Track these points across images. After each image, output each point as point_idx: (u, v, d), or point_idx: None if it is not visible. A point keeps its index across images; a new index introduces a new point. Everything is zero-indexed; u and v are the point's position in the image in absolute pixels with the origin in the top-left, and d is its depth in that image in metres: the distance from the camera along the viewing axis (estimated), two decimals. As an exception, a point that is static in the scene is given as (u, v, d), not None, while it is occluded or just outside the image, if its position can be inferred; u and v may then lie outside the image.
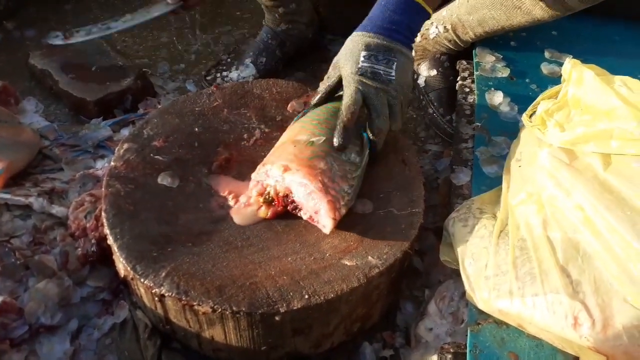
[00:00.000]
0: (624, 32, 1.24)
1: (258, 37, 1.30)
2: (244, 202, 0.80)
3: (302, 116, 0.85)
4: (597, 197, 0.63)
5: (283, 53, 1.30)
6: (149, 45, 1.41)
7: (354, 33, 0.82)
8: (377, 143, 0.80)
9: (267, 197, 0.78)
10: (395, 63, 0.79)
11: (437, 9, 0.95)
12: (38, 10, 1.51)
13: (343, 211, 0.75)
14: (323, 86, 0.85)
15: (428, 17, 0.83)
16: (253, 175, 0.80)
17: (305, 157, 0.75)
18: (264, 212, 0.79)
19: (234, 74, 1.26)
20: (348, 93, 0.78)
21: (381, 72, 0.79)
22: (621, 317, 0.59)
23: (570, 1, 0.94)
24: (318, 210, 0.75)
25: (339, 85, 0.82)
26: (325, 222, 0.75)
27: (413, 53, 0.83)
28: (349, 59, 0.80)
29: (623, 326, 0.59)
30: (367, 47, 0.79)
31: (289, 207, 0.78)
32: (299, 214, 0.78)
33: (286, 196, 0.77)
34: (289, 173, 0.74)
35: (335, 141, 0.76)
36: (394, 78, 0.79)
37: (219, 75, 1.27)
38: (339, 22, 1.43)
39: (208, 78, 1.27)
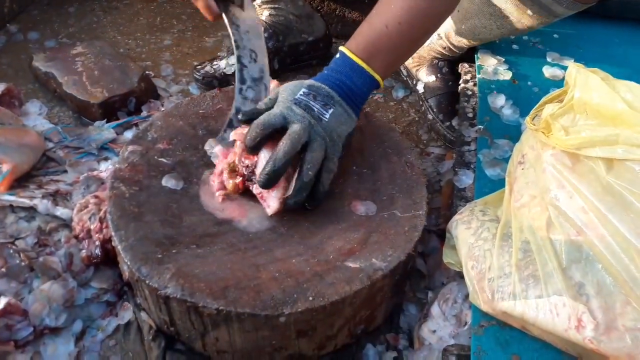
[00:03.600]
0: (625, 34, 1.25)
1: None
2: (217, 173, 0.83)
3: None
4: (600, 200, 0.63)
5: (275, 46, 1.29)
6: (152, 48, 1.42)
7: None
8: (266, 166, 0.74)
9: (231, 164, 0.80)
10: (332, 110, 0.78)
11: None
12: (41, 13, 1.52)
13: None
14: (249, 108, 0.85)
15: (377, 85, 0.82)
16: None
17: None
18: (230, 184, 0.80)
19: (222, 63, 1.27)
20: (272, 112, 0.77)
21: (315, 109, 0.77)
22: (624, 320, 0.59)
23: (556, 9, 0.95)
24: (270, 190, 0.76)
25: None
26: (272, 203, 0.76)
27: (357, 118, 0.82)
28: (288, 90, 0.79)
29: (626, 328, 0.59)
30: (310, 87, 0.79)
31: (246, 175, 0.79)
32: (251, 186, 0.79)
33: (247, 166, 0.78)
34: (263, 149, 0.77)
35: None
36: (326, 120, 0.77)
37: (208, 64, 1.28)
38: (344, 26, 1.44)
39: (198, 67, 1.29)
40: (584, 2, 0.93)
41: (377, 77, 0.82)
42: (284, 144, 0.74)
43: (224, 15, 0.88)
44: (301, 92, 0.78)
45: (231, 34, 0.88)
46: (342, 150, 0.80)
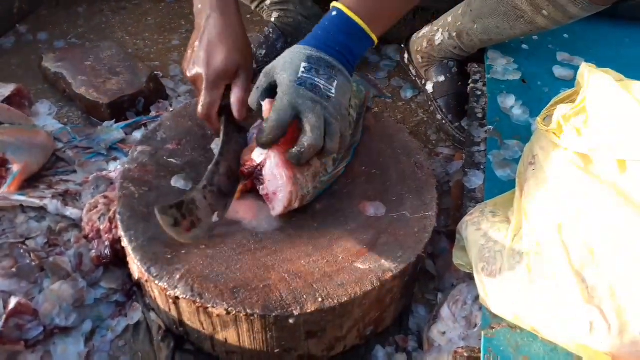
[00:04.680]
0: (636, 34, 1.24)
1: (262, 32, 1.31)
2: None
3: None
4: (612, 201, 0.63)
5: (284, 47, 1.28)
6: (161, 48, 1.42)
7: (294, 46, 0.76)
8: (300, 158, 0.73)
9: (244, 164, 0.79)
10: (336, 81, 0.74)
11: (431, 18, 0.92)
12: (50, 14, 1.52)
13: (296, 205, 0.77)
14: (254, 96, 0.78)
15: (372, 44, 0.79)
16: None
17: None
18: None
19: None
20: (277, 106, 0.72)
21: (321, 86, 0.73)
22: (638, 323, 0.59)
23: (572, 10, 0.94)
24: (277, 192, 0.75)
25: (270, 93, 0.76)
26: (277, 206, 0.76)
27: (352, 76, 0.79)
28: (287, 68, 0.73)
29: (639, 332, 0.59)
30: (309, 59, 0.74)
31: (254, 174, 0.78)
32: (258, 186, 0.78)
33: (258, 165, 0.77)
34: (273, 150, 0.75)
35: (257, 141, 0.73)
36: (333, 96, 0.74)
37: None
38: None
39: None
40: (600, 3, 0.93)
41: (374, 36, 0.78)
42: (308, 141, 0.72)
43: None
44: (302, 69, 0.73)
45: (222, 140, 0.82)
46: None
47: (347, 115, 0.78)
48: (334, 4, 0.78)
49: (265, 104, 0.75)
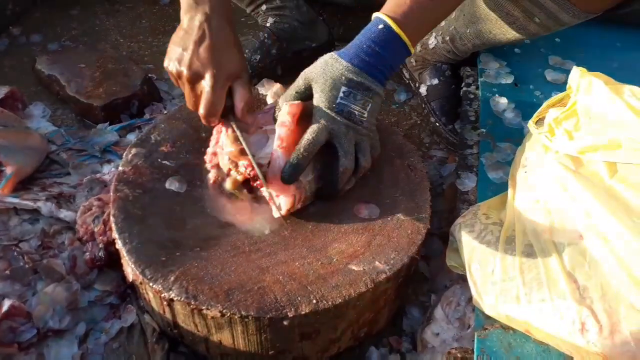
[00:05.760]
0: (627, 38, 1.25)
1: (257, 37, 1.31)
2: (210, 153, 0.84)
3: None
4: (603, 203, 0.64)
5: (279, 52, 1.29)
6: (155, 51, 1.42)
7: (336, 57, 0.77)
8: (338, 182, 0.78)
9: (233, 160, 0.80)
10: (371, 105, 0.77)
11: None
12: (44, 16, 1.52)
13: (298, 206, 0.78)
14: (288, 96, 0.81)
15: (409, 55, 0.80)
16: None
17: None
18: (231, 181, 0.82)
19: None
20: (314, 128, 0.75)
21: (356, 112, 0.76)
22: (628, 323, 0.59)
23: (563, 17, 0.95)
24: (280, 195, 0.77)
25: (307, 96, 0.79)
26: (283, 205, 0.77)
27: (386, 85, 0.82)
28: (326, 90, 0.76)
29: (630, 332, 0.59)
30: (349, 83, 0.75)
31: (251, 177, 0.78)
32: (259, 186, 0.78)
33: (262, 166, 0.78)
34: (278, 152, 0.77)
35: (283, 175, 0.74)
36: (366, 119, 0.77)
37: None
38: (346, 30, 1.44)
39: None
40: (591, 11, 0.94)
41: (412, 49, 0.79)
42: (343, 166, 0.76)
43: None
44: (342, 94, 0.76)
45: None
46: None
47: (375, 130, 0.81)
48: (379, 15, 0.77)
49: (292, 107, 0.78)
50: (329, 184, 0.79)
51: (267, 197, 0.78)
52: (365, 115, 0.77)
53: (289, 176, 0.74)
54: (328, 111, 0.76)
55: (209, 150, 0.84)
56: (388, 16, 0.76)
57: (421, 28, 0.80)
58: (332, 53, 0.78)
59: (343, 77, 0.76)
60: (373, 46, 0.76)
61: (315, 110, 0.77)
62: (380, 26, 0.76)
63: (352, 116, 0.76)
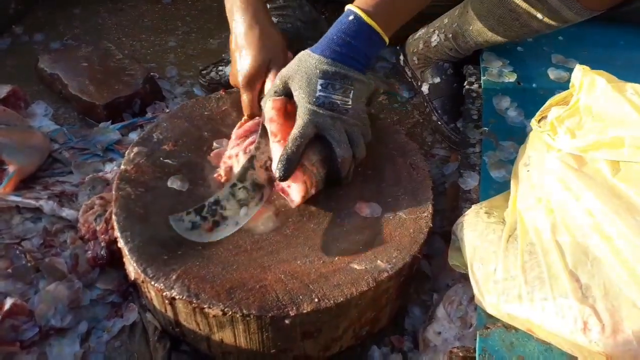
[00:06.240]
0: (630, 37, 1.25)
1: None
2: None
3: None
4: (606, 202, 0.63)
5: None
6: (157, 50, 1.42)
7: (309, 53, 0.78)
8: (340, 172, 0.78)
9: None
10: (352, 91, 0.77)
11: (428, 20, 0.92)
12: (46, 15, 1.52)
13: (312, 192, 0.79)
14: (270, 93, 0.81)
15: (384, 45, 0.80)
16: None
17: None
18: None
19: (227, 69, 1.27)
20: (299, 124, 0.75)
21: (338, 102, 0.76)
22: (631, 322, 0.59)
23: (567, 14, 0.95)
24: (291, 184, 0.77)
25: (287, 95, 0.80)
26: (295, 197, 0.78)
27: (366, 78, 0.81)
28: (304, 86, 0.76)
29: (633, 331, 0.59)
30: (324, 75, 0.76)
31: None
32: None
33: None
34: (277, 143, 0.77)
35: (276, 172, 0.74)
36: (350, 107, 0.77)
37: (214, 70, 1.28)
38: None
39: (204, 72, 1.29)
40: (595, 9, 0.93)
41: (387, 39, 0.80)
42: (340, 156, 0.76)
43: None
44: (319, 87, 0.76)
45: (258, 135, 0.84)
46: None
47: (365, 116, 0.81)
48: (350, 7, 0.78)
49: (275, 102, 0.78)
50: (334, 175, 0.79)
51: (280, 191, 0.80)
52: (350, 103, 0.77)
53: (282, 172, 0.74)
54: (309, 105, 0.76)
55: (228, 152, 0.85)
56: (359, 7, 0.77)
57: (394, 17, 0.80)
58: (306, 50, 0.79)
59: (317, 70, 0.76)
60: (344, 37, 0.77)
61: (298, 107, 0.77)
62: (351, 17, 0.77)
63: (334, 106, 0.76)
